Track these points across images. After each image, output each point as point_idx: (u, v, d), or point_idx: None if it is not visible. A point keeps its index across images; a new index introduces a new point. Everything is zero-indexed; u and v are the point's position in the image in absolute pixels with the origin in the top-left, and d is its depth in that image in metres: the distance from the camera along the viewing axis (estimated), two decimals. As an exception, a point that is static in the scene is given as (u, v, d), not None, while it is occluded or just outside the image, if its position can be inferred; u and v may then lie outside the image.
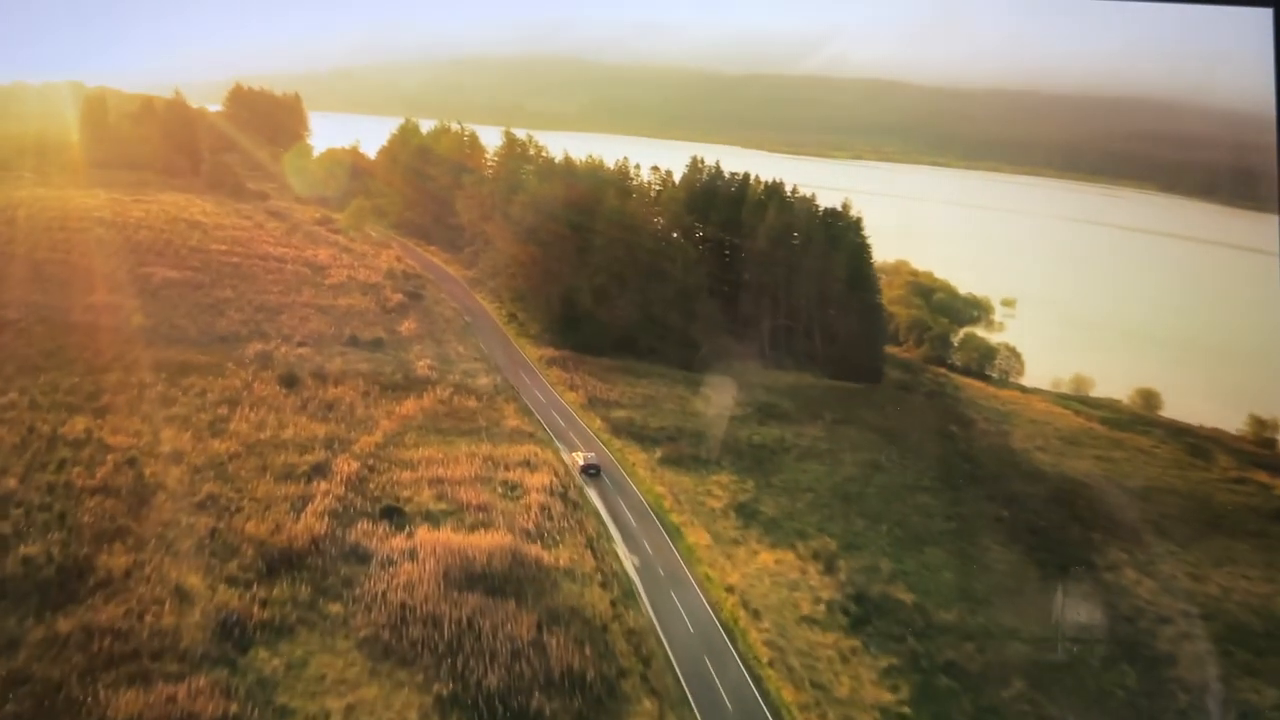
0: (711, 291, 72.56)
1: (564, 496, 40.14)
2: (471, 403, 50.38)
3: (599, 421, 51.50)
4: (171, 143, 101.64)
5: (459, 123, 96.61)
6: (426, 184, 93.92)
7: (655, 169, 79.20)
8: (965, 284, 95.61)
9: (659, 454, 48.37)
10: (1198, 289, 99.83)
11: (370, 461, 40.69)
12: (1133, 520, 50.38)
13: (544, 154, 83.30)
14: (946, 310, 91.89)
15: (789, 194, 76.68)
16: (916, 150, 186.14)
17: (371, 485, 38.49)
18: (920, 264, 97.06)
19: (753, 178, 77.94)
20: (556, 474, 42.35)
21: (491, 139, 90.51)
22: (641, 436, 50.50)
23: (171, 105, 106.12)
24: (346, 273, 70.76)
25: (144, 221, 72.75)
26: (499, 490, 39.88)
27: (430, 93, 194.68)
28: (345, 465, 39.37)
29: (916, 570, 42.31)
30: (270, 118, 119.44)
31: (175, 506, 34.27)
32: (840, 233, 74.72)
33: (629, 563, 36.74)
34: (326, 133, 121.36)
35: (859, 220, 75.37)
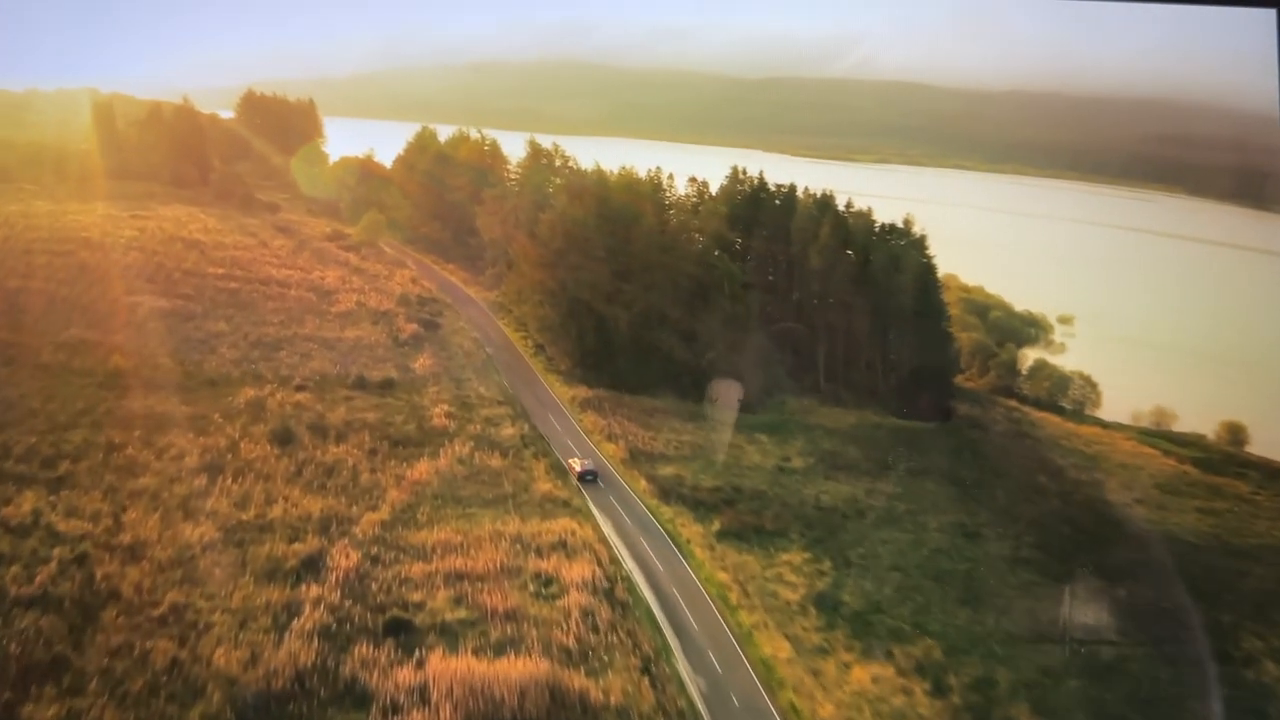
0: (759, 317, 65.12)
1: (609, 595, 32.64)
2: (495, 461, 43.09)
3: (644, 482, 44.01)
4: (180, 151, 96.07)
5: (478, 130, 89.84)
6: (445, 194, 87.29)
7: (692, 180, 71.94)
8: (1014, 297, 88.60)
9: (716, 525, 40.96)
10: (1246, 300, 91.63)
11: (374, 549, 33.44)
12: (1255, 593, 43.54)
13: (570, 164, 76.01)
14: (1004, 330, 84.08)
15: (843, 208, 69.10)
16: (942, 154, 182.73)
17: (374, 585, 31.17)
18: (964, 276, 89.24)
19: (801, 189, 70.59)
20: (599, 561, 34.89)
21: (511, 146, 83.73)
22: (694, 501, 43.04)
23: (180, 112, 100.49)
24: (356, 298, 63.87)
25: (136, 241, 66.30)
26: (530, 588, 32.45)
27: (447, 98, 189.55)
28: (343, 558, 32.12)
29: (1038, 679, 34.75)
30: (284, 124, 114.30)
31: (129, 624, 27.22)
32: (902, 251, 66.98)
33: (694, 688, 29.28)
34: (341, 139, 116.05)
35: (923, 238, 67.74)
